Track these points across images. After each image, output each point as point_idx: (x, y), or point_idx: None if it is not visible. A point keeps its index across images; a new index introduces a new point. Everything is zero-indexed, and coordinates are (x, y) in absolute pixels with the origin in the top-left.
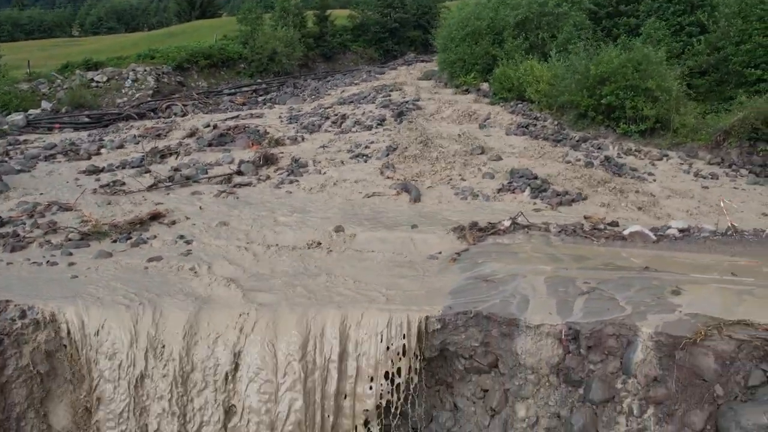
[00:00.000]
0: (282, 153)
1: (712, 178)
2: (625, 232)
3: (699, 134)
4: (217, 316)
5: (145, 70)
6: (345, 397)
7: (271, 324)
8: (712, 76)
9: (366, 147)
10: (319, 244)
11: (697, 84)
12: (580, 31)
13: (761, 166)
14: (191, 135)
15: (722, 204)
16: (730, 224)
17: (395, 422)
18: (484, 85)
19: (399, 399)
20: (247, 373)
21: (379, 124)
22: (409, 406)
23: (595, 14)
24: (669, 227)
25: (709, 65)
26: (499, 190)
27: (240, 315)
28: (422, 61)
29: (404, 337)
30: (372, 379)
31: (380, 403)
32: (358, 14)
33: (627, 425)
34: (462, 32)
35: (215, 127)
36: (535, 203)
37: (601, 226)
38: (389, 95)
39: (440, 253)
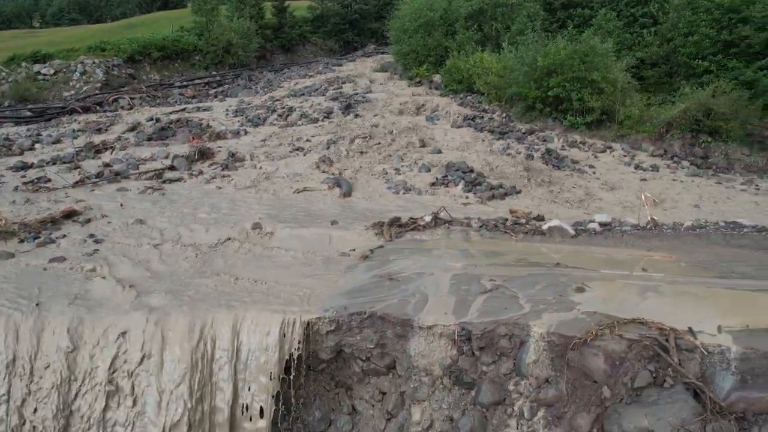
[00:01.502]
0: (220, 147)
1: (652, 171)
2: (544, 227)
3: (644, 126)
4: (103, 321)
5: (94, 63)
6: (237, 403)
7: (160, 329)
8: (662, 68)
9: (307, 140)
10: (232, 242)
11: (647, 75)
12: (534, 22)
13: (702, 158)
14: (132, 129)
15: (643, 198)
16: (649, 218)
17: (293, 427)
18: (437, 77)
19: (292, 403)
20: (132, 381)
21: (325, 117)
22: (303, 409)
23: (549, 5)
24: (592, 221)
25: (659, 57)
26: (433, 184)
27: (127, 320)
28: (382, 53)
29: (297, 340)
30: (265, 383)
31: (274, 408)
32: (317, 5)
33: (518, 428)
34: (415, 23)
35: (158, 120)
36: (467, 197)
37: (523, 221)
38: (341, 87)
39: (354, 250)
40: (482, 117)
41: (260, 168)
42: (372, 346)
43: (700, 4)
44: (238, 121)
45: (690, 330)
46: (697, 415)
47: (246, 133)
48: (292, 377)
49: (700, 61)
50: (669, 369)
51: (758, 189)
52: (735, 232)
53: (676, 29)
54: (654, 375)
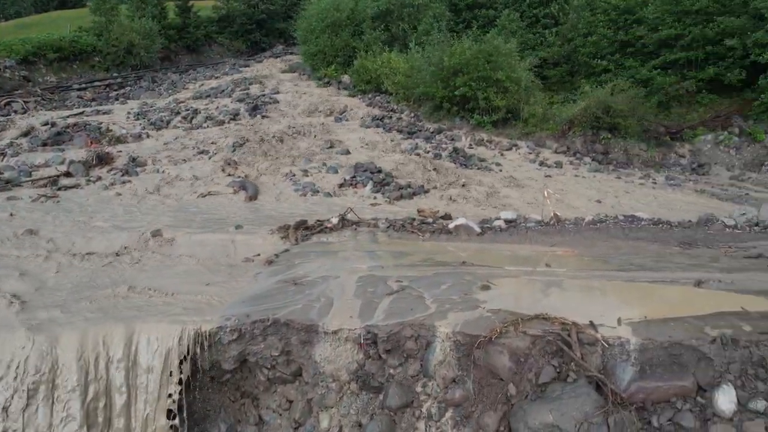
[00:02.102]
0: (120, 152)
1: (556, 167)
2: (451, 226)
3: (547, 124)
4: None
5: None
6: (135, 421)
7: (47, 346)
8: (564, 67)
9: (212, 143)
10: (130, 250)
11: (550, 75)
12: (440, 22)
13: (603, 155)
14: (26, 134)
15: (546, 194)
16: (552, 214)
17: None
18: (345, 78)
19: (194, 415)
20: (16, 405)
21: (231, 119)
22: (207, 422)
23: (455, 6)
24: (497, 219)
25: (561, 56)
26: (341, 185)
27: (13, 337)
28: (291, 54)
29: (198, 351)
30: (164, 398)
31: (174, 423)
32: (223, 5)
33: (426, 430)
34: (322, 24)
35: (54, 125)
36: (375, 198)
37: (430, 220)
38: (248, 89)
39: (258, 255)
40: (391, 117)
41: (163, 172)
42: (277, 354)
43: (597, 6)
44: (140, 124)
45: (591, 324)
46: (599, 408)
47: (148, 136)
48: (193, 390)
49: (599, 60)
50: (572, 363)
51: (655, 183)
52: (633, 226)
53: (576, 30)
54: (558, 370)
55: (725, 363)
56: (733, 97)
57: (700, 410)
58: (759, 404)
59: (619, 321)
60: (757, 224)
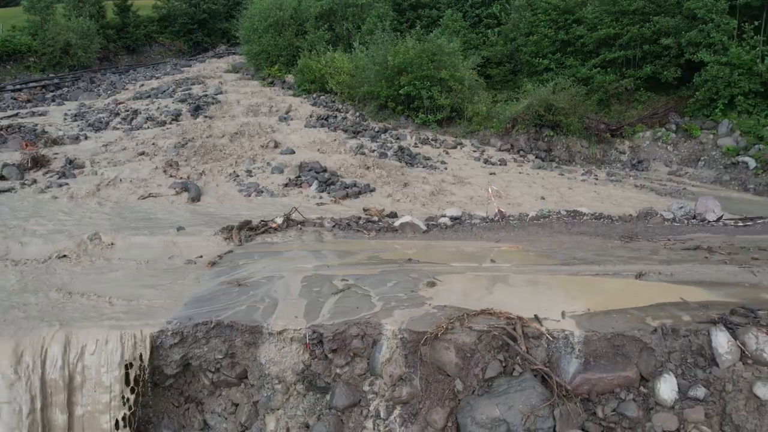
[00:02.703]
0: (57, 154)
1: (500, 165)
2: (397, 224)
3: (491, 122)
4: None
5: None
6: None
7: None
8: (507, 66)
9: (153, 144)
10: (68, 255)
11: (493, 74)
12: (384, 22)
13: (546, 152)
14: None
15: (490, 191)
16: (497, 210)
17: None
18: (289, 77)
19: (135, 423)
20: None
21: (173, 120)
22: (150, 429)
23: (398, 6)
24: (443, 216)
25: (504, 56)
26: (286, 185)
27: None
28: (234, 53)
29: (139, 356)
30: (105, 405)
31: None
32: (163, 4)
33: (374, 429)
34: (265, 23)
35: None
36: (321, 197)
37: (376, 219)
38: (190, 89)
39: (201, 257)
40: (336, 116)
41: (102, 174)
42: (221, 357)
43: (538, 6)
44: (78, 125)
45: (536, 317)
46: (545, 401)
47: (86, 138)
48: (135, 395)
49: (540, 59)
50: (518, 357)
51: (597, 179)
52: (576, 221)
53: (517, 29)
54: (504, 364)
55: (666, 352)
56: (669, 95)
57: (643, 400)
58: (699, 392)
59: (563, 314)
60: (694, 217)
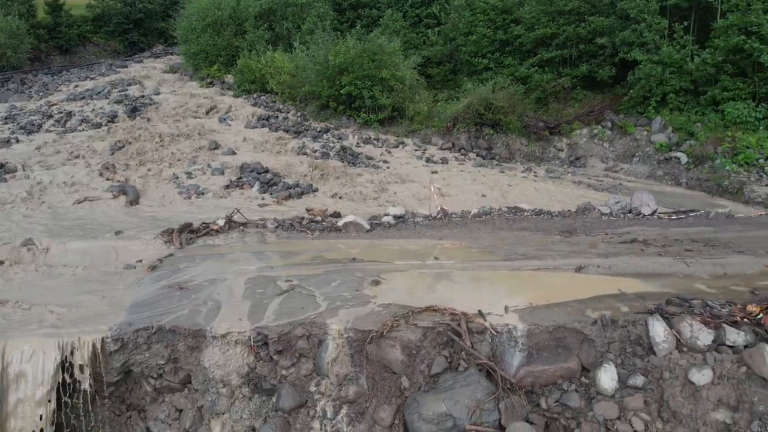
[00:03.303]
0: None
1: (442, 163)
2: (340, 223)
3: (432, 121)
4: None
5: None
6: None
7: None
8: (447, 66)
9: (89, 147)
10: (1, 261)
11: (433, 73)
12: (324, 21)
13: (486, 150)
14: None
15: (432, 189)
16: (440, 208)
17: None
18: (229, 78)
19: None
20: None
21: (109, 121)
22: None
23: (339, 5)
24: (386, 215)
25: (444, 55)
26: (227, 187)
27: None
28: (171, 54)
29: (77, 364)
30: (41, 417)
31: None
32: (97, 4)
33: (321, 429)
34: (203, 23)
35: None
36: (263, 198)
37: (320, 219)
38: (126, 90)
39: (141, 261)
40: (277, 117)
41: (35, 179)
42: (163, 362)
43: (477, 6)
44: (9, 128)
45: (479, 312)
46: (490, 394)
47: (18, 141)
48: (74, 405)
49: (480, 58)
50: (462, 352)
51: (536, 176)
52: (517, 217)
53: (457, 29)
54: (449, 360)
55: (606, 343)
56: (605, 93)
57: (585, 390)
58: (638, 380)
59: (506, 309)
60: (630, 211)
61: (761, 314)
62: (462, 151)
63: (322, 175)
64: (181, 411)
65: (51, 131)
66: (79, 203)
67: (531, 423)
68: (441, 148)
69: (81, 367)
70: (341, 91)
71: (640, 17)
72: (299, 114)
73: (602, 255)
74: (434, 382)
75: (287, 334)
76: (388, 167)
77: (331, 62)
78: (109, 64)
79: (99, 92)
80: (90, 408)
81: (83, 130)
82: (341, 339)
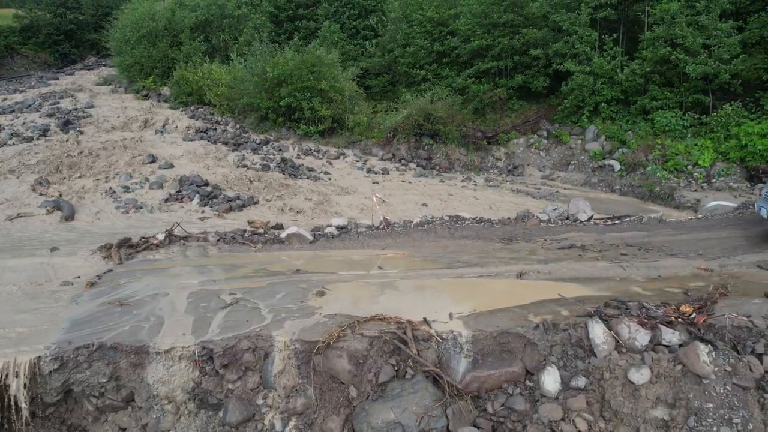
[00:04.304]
0: None
1: (383, 174)
2: (283, 235)
3: (372, 132)
4: None
5: None
6: None
7: None
8: (385, 77)
9: (20, 161)
10: None
11: (372, 84)
12: (261, 33)
13: (426, 160)
14: None
15: (374, 199)
16: (382, 218)
17: None
18: (165, 90)
19: None
20: None
21: (41, 135)
22: None
23: (276, 17)
24: (329, 226)
25: (382, 67)
26: (167, 200)
27: None
28: (105, 65)
29: (14, 386)
30: None
31: None
32: (25, 14)
33: None
34: (137, 34)
35: None
36: (203, 211)
37: (262, 231)
38: (58, 103)
39: (79, 277)
40: (215, 129)
41: None
42: (105, 380)
43: (414, 18)
44: None
45: (425, 320)
46: (437, 401)
47: None
48: (9, 429)
49: (417, 70)
50: (409, 360)
51: (476, 185)
52: (458, 225)
53: (395, 41)
54: (396, 368)
55: (548, 346)
56: (540, 103)
57: (530, 393)
58: (579, 381)
59: (450, 316)
60: (567, 218)
61: (694, 314)
62: (402, 161)
63: (263, 187)
64: (124, 430)
65: None
66: (11, 220)
67: (478, 428)
68: (382, 159)
69: (17, 389)
70: (280, 103)
71: (572, 29)
72: (238, 126)
73: (542, 261)
74: (382, 391)
75: (233, 348)
76: (330, 178)
77: (270, 74)
78: (39, 76)
79: (29, 105)
80: (29, 430)
81: (14, 144)
82: (287, 351)
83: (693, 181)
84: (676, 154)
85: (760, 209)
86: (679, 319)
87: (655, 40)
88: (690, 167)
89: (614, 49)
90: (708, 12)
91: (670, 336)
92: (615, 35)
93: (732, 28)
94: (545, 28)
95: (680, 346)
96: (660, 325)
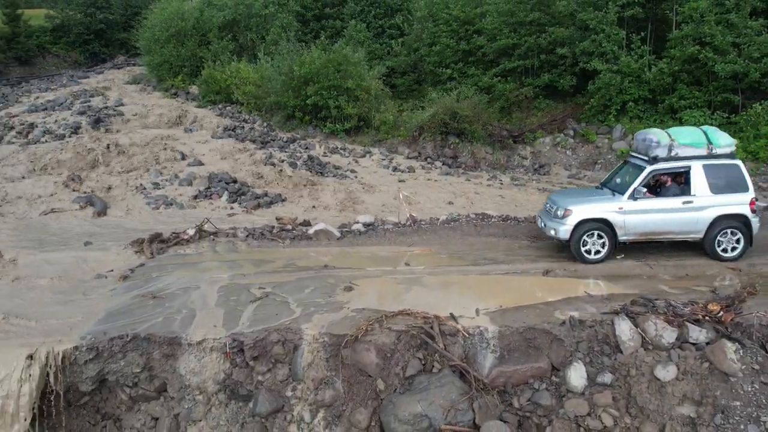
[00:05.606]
0: None
1: (409, 172)
2: (311, 231)
3: (398, 131)
4: None
5: None
6: None
7: None
8: (411, 76)
9: (53, 158)
10: None
11: (398, 83)
12: (288, 32)
13: (452, 158)
14: None
15: (401, 196)
16: (409, 215)
17: None
18: (194, 88)
19: None
20: None
21: (73, 133)
22: None
23: (302, 16)
24: (356, 222)
25: (408, 66)
26: (196, 197)
27: None
28: (134, 64)
29: (50, 375)
30: (13, 426)
31: None
32: (57, 14)
33: None
34: (166, 33)
35: None
36: (232, 207)
37: (290, 227)
38: (89, 101)
39: (112, 271)
40: (243, 127)
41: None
42: (139, 371)
43: (440, 17)
44: None
45: (451, 315)
46: (464, 395)
47: None
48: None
49: (443, 68)
50: (436, 354)
51: (502, 183)
52: (484, 223)
53: (420, 40)
54: (423, 362)
55: (575, 343)
56: (567, 102)
57: (555, 388)
58: (606, 377)
59: (477, 312)
60: None
61: (721, 312)
62: (428, 159)
63: (290, 184)
64: (157, 419)
65: (13, 143)
66: (45, 215)
67: (504, 422)
68: (407, 157)
69: (55, 378)
70: (307, 102)
71: (599, 28)
72: (265, 124)
73: (569, 258)
74: (409, 384)
75: (263, 340)
76: (356, 176)
77: (297, 73)
78: (70, 75)
79: (61, 103)
80: (64, 418)
81: (46, 141)
82: (316, 344)
83: None
84: None
85: (537, 220)
86: (707, 317)
87: (683, 38)
88: None
89: (642, 47)
90: (738, 10)
91: (697, 334)
92: (642, 34)
93: (762, 27)
94: (572, 26)
95: (707, 344)
96: (687, 323)
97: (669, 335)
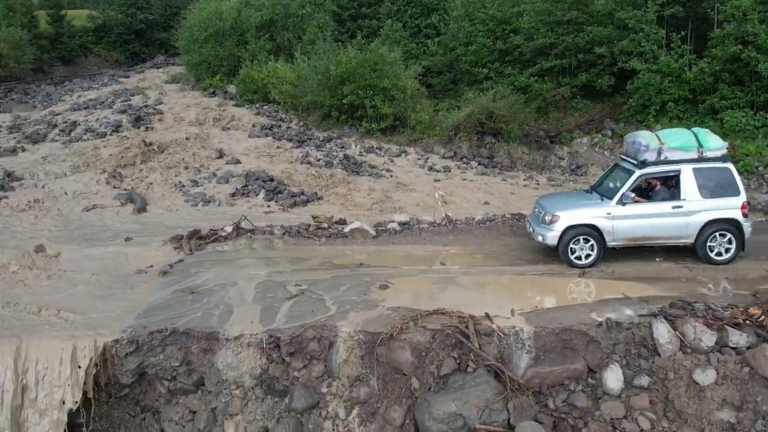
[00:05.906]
0: None
1: (444, 172)
2: (346, 230)
3: (434, 130)
4: None
5: None
6: None
7: None
8: (447, 75)
9: (94, 155)
10: (10, 267)
11: (434, 83)
12: (325, 32)
13: (488, 158)
14: None
15: (437, 196)
16: (444, 215)
17: None
18: (231, 88)
19: None
20: None
21: (114, 131)
22: None
23: (339, 16)
24: (391, 222)
25: (444, 65)
26: (233, 195)
27: None
28: (173, 64)
29: (93, 366)
30: (57, 417)
31: None
32: (99, 15)
33: (333, 429)
34: (205, 33)
35: None
36: (268, 205)
37: (326, 225)
38: (129, 100)
39: (151, 266)
40: (280, 126)
41: (42, 187)
42: (177, 364)
43: (476, 16)
44: (14, 137)
45: (487, 315)
46: (499, 395)
47: (24, 150)
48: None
49: (480, 68)
50: (471, 354)
51: (538, 184)
52: (520, 223)
53: (457, 39)
54: (458, 361)
55: (611, 345)
56: (604, 102)
57: (591, 390)
58: (643, 380)
59: (512, 312)
60: None
61: (763, 316)
62: (464, 159)
63: (326, 183)
64: (194, 412)
65: (56, 140)
66: (87, 211)
67: (539, 422)
68: (443, 157)
69: (96, 369)
70: (343, 101)
71: (638, 27)
72: (302, 123)
73: (605, 260)
74: (444, 383)
75: (299, 337)
76: (392, 175)
77: (333, 72)
78: (111, 74)
79: (102, 102)
80: (105, 409)
81: (88, 139)
82: (351, 341)
83: (764, 183)
84: (747, 155)
85: (527, 224)
86: (747, 321)
87: (725, 37)
88: (761, 168)
89: (682, 47)
90: None
91: (737, 338)
92: (683, 33)
93: None
94: (610, 25)
95: (748, 348)
96: (727, 327)
97: (708, 339)
